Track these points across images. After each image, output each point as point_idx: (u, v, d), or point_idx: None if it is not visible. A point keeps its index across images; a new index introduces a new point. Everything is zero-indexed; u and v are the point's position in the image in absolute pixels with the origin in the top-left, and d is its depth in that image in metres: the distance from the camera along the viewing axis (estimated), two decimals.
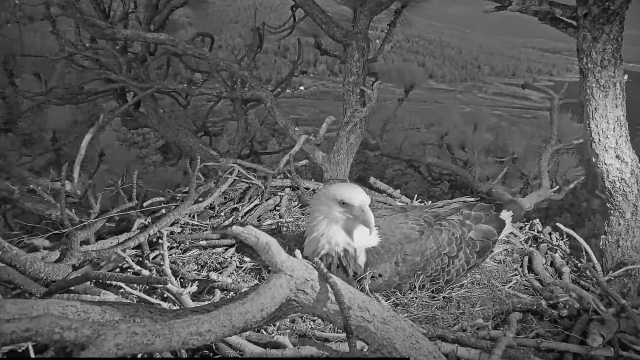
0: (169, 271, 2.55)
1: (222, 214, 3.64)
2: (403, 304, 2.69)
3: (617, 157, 3.32)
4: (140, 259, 2.91)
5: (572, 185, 4.84)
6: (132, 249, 2.97)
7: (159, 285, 2.40)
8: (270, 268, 1.70)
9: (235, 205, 3.77)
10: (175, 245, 3.12)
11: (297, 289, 1.70)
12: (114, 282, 2.52)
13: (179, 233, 3.26)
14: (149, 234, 3.03)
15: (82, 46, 4.85)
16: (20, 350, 1.89)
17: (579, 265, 3.33)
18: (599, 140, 3.30)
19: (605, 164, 3.34)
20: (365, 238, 2.71)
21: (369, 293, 2.65)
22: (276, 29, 5.38)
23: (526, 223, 3.86)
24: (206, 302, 2.29)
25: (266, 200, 3.84)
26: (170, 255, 2.98)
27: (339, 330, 2.26)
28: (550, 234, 3.74)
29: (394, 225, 2.87)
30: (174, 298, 2.38)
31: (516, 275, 3.14)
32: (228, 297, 2.60)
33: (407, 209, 3.14)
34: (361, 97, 4.41)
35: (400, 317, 1.89)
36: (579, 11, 3.09)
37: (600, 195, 3.52)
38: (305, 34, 5.12)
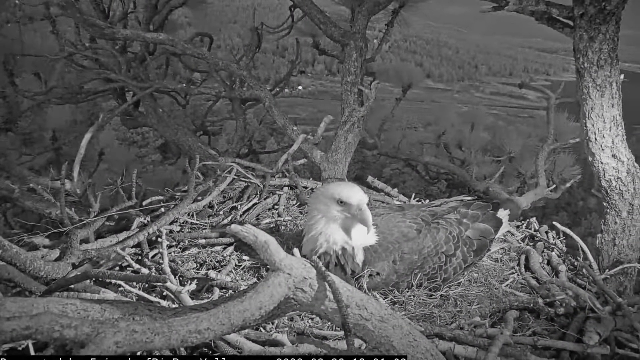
0: (168, 269, 2.56)
1: (221, 212, 3.65)
2: (401, 302, 2.70)
3: (614, 156, 3.33)
4: (140, 257, 2.93)
5: (568, 184, 4.86)
6: (132, 247, 2.99)
7: (158, 284, 2.42)
8: (268, 266, 1.71)
9: (234, 204, 3.79)
10: (174, 243, 3.13)
11: (296, 287, 1.71)
12: (113, 281, 2.53)
13: (178, 232, 3.28)
14: (148, 233, 3.05)
15: (82, 46, 4.85)
16: (20, 348, 1.90)
17: (575, 263, 3.34)
18: (596, 139, 3.31)
19: (602, 163, 3.35)
20: (363, 237, 2.72)
21: (367, 291, 2.66)
22: (275, 28, 5.39)
23: (523, 222, 3.87)
24: (205, 301, 2.29)
25: (265, 199, 3.86)
26: (170, 253, 3.00)
27: (337, 328, 2.27)
28: (546, 232, 3.75)
29: (391, 224, 2.89)
30: (173, 296, 2.39)
31: (513, 273, 3.15)
32: (227, 295, 2.59)
33: (404, 207, 3.15)
34: (359, 97, 4.41)
35: (397, 315, 1.90)
36: (576, 11, 3.10)
37: (596, 194, 3.53)
38: (303, 34, 5.13)
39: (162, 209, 3.53)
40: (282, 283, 1.66)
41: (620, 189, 3.38)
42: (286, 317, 2.37)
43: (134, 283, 2.56)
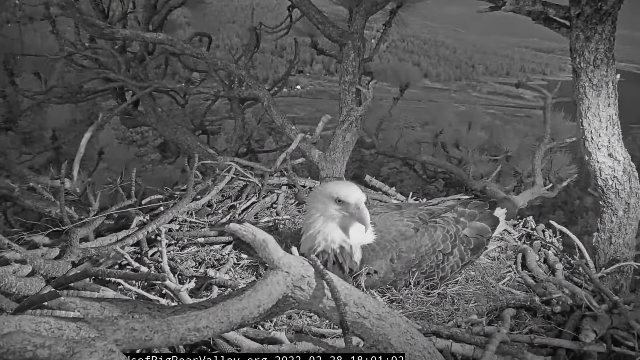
0: (167, 268, 2.56)
1: (220, 211, 3.66)
2: (398, 300, 2.71)
3: (610, 155, 3.34)
4: (139, 256, 2.93)
5: (565, 183, 4.87)
6: (131, 246, 3.00)
7: (157, 282, 2.43)
8: (267, 265, 1.71)
9: (233, 203, 3.81)
10: (173, 242, 3.15)
11: (294, 286, 1.72)
12: (112, 279, 2.54)
13: (177, 230, 3.30)
14: (148, 231, 3.05)
15: (82, 46, 4.86)
16: None
17: (571, 262, 3.36)
18: (592, 138, 3.32)
19: (598, 162, 3.36)
20: (361, 235, 2.73)
21: (365, 289, 2.67)
22: (273, 28, 5.39)
23: (520, 220, 3.89)
24: (204, 299, 2.30)
25: (263, 197, 3.88)
26: (169, 252, 3.00)
27: (335, 326, 2.28)
28: (543, 231, 3.77)
29: (389, 223, 2.90)
30: (172, 294, 2.40)
31: (510, 272, 3.17)
32: (225, 293, 2.59)
33: (402, 206, 3.16)
34: (357, 96, 4.42)
35: (395, 313, 1.90)
36: (572, 11, 3.11)
37: (592, 193, 3.55)
38: (301, 34, 5.15)
39: (162, 208, 3.55)
40: (280, 281, 1.67)
41: (616, 188, 3.40)
42: (284, 315, 2.38)
43: (134, 281, 2.56)
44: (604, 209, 3.49)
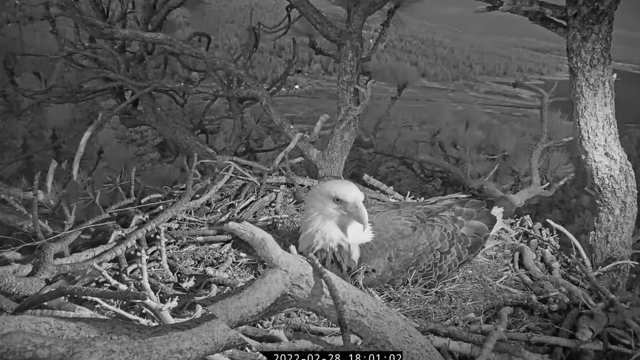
0: (147, 285, 2.41)
1: (219, 210, 3.67)
2: (396, 298, 2.72)
3: (606, 154, 3.35)
4: (118, 272, 2.81)
5: (562, 182, 4.88)
6: (109, 262, 2.86)
7: (137, 301, 2.28)
8: (265, 263, 1.72)
9: (232, 202, 3.82)
10: (172, 241, 3.15)
11: (292, 284, 1.72)
12: (89, 297, 2.39)
13: (176, 229, 3.30)
14: (147, 230, 3.02)
15: (81, 45, 4.86)
16: None
17: (568, 260, 3.37)
18: (589, 138, 3.33)
19: (595, 161, 3.38)
20: (359, 234, 2.74)
21: (363, 288, 2.67)
22: (271, 28, 5.40)
23: (517, 219, 3.90)
24: (187, 319, 2.15)
25: (262, 196, 3.89)
26: (168, 250, 3.01)
27: (333, 324, 2.29)
28: (540, 229, 3.78)
29: (387, 222, 2.91)
30: (152, 314, 2.25)
31: (507, 270, 3.17)
32: (224, 292, 2.62)
33: (400, 205, 3.18)
34: (355, 96, 4.43)
35: (393, 311, 1.91)
36: (569, 11, 3.12)
37: (589, 192, 3.56)
38: (300, 34, 5.15)
39: (161, 207, 3.55)
40: (279, 280, 1.67)
41: (613, 187, 3.41)
42: (283, 314, 2.38)
43: (112, 300, 2.40)
44: (601, 208, 3.50)
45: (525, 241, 3.61)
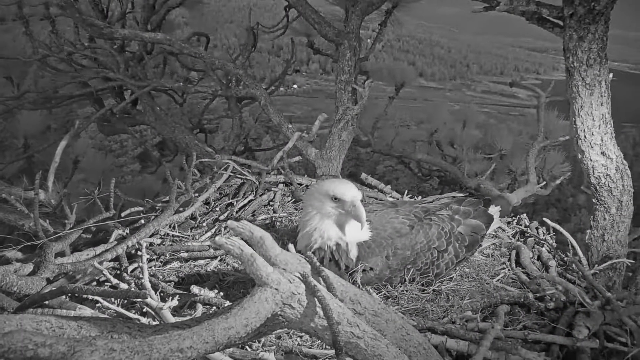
0: (148, 284, 2.39)
1: (205, 224, 3.52)
2: (394, 296, 2.72)
3: (603, 153, 3.37)
4: (118, 271, 2.79)
5: (558, 181, 4.90)
6: (110, 261, 2.84)
7: (138, 300, 2.28)
8: (255, 281, 1.62)
9: (230, 201, 3.83)
10: (155, 257, 3.00)
11: (283, 303, 1.63)
12: (90, 296, 2.38)
13: (158, 244, 3.15)
14: (128, 246, 2.89)
15: (81, 45, 4.86)
16: None
17: (565, 259, 3.38)
18: (585, 137, 3.35)
19: (591, 160, 3.39)
20: (356, 232, 2.74)
21: (361, 286, 2.68)
22: (270, 28, 5.40)
23: (514, 218, 3.91)
24: (188, 318, 2.12)
25: (260, 195, 3.90)
26: (150, 268, 2.86)
27: (327, 346, 2.19)
28: (537, 228, 3.79)
29: (384, 220, 2.91)
30: (153, 313, 2.25)
31: (504, 268, 3.19)
32: (211, 311, 2.42)
33: (397, 204, 3.18)
34: (353, 95, 4.44)
35: (391, 309, 1.90)
36: (565, 11, 3.14)
37: (586, 191, 3.57)
38: (298, 34, 5.16)
39: (142, 221, 3.37)
40: (269, 299, 1.57)
41: (609, 186, 3.43)
42: (273, 335, 2.26)
43: (112, 299, 2.41)
44: (597, 207, 3.52)
45: (522, 240, 3.63)
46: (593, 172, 3.42)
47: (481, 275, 3.06)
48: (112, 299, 2.40)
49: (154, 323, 2.18)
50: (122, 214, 3.43)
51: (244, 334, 1.49)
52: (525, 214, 3.96)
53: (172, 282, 2.80)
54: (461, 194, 3.39)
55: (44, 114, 5.18)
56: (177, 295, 2.40)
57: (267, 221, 3.52)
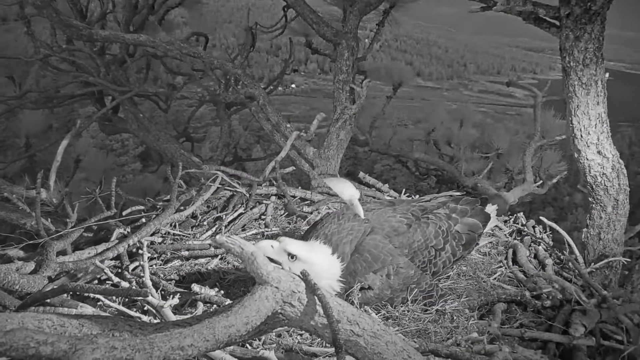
0: (149, 283, 2.39)
1: (206, 223, 3.49)
2: (394, 317, 2.59)
3: (599, 152, 3.39)
4: (119, 270, 2.78)
5: (555, 180, 4.92)
6: (111, 260, 2.84)
7: (139, 298, 2.29)
8: (255, 279, 1.63)
9: (219, 214, 3.63)
10: (155, 256, 2.99)
11: (284, 302, 1.63)
12: (91, 295, 2.37)
13: (159, 243, 3.14)
14: (129, 244, 2.90)
15: (58, 48, 4.63)
16: None
17: (561, 257, 3.40)
18: (581, 136, 3.37)
19: (587, 159, 3.41)
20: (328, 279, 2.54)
21: (359, 306, 2.54)
22: (268, 28, 5.39)
23: (510, 216, 3.91)
24: (188, 316, 2.16)
25: (251, 208, 3.71)
26: (151, 266, 2.86)
27: (327, 344, 2.16)
28: (533, 227, 3.79)
29: (382, 219, 2.90)
30: (154, 311, 2.25)
31: (501, 267, 3.20)
32: (211, 310, 2.40)
33: (395, 202, 3.18)
34: (351, 95, 4.45)
35: (391, 330, 1.83)
36: (562, 11, 3.15)
37: (582, 190, 3.59)
38: (296, 34, 5.16)
39: (143, 220, 3.35)
40: (269, 297, 1.59)
41: (605, 185, 3.45)
42: (274, 333, 2.25)
43: (114, 297, 2.41)
44: (593, 206, 3.54)
45: (519, 238, 3.63)
46: (589, 171, 3.44)
47: (478, 274, 3.06)
48: (114, 298, 2.40)
49: (155, 321, 2.19)
50: (123, 213, 3.43)
51: (245, 332, 1.49)
52: (522, 213, 3.96)
53: (173, 281, 2.81)
54: (458, 193, 3.38)
55: (45, 114, 5.20)
56: (178, 294, 2.40)
57: (259, 236, 3.38)
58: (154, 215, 3.28)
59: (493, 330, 2.31)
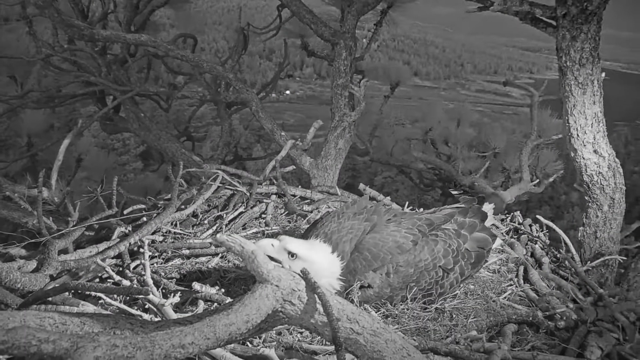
0: (150, 281, 2.39)
1: (206, 222, 3.50)
2: (394, 315, 2.56)
3: (595, 151, 3.41)
4: (121, 268, 2.80)
5: (551, 179, 4.91)
6: (112, 258, 2.85)
7: (140, 296, 2.28)
8: (256, 278, 1.64)
9: (220, 213, 3.64)
10: (157, 254, 3.01)
11: (284, 300, 1.64)
12: (93, 293, 2.39)
13: (160, 242, 3.16)
14: (130, 243, 2.91)
15: (60, 47, 4.63)
16: None
17: (558, 255, 3.41)
18: (578, 135, 3.38)
19: (584, 158, 3.43)
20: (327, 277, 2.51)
21: (359, 305, 2.51)
22: (262, 29, 5.25)
23: (507, 215, 3.89)
24: (189, 314, 2.19)
25: (251, 207, 3.71)
26: (152, 265, 2.87)
27: (327, 342, 2.17)
28: (530, 225, 3.78)
29: (385, 233, 2.70)
30: (155, 309, 2.28)
31: (511, 285, 3.01)
32: (212, 308, 2.47)
33: (398, 214, 2.94)
34: (350, 101, 4.36)
35: (390, 329, 1.83)
36: (558, 11, 3.17)
37: (578, 189, 3.60)
38: (291, 35, 5.02)
39: (144, 218, 3.36)
40: (269, 295, 1.60)
41: (601, 184, 3.47)
42: (274, 331, 2.25)
43: (115, 295, 2.42)
44: (590, 204, 3.56)
45: (516, 237, 3.64)
46: (586, 170, 3.46)
47: (487, 293, 2.88)
48: (115, 296, 2.41)
49: (156, 319, 2.19)
50: (125, 212, 3.43)
51: (245, 330, 1.51)
52: (518, 212, 3.95)
53: (174, 279, 2.82)
54: (464, 205, 3.15)
55: (47, 113, 5.20)
56: (179, 292, 2.41)
57: (259, 235, 3.37)
58: (155, 214, 3.30)
59: (503, 354, 2.18)
